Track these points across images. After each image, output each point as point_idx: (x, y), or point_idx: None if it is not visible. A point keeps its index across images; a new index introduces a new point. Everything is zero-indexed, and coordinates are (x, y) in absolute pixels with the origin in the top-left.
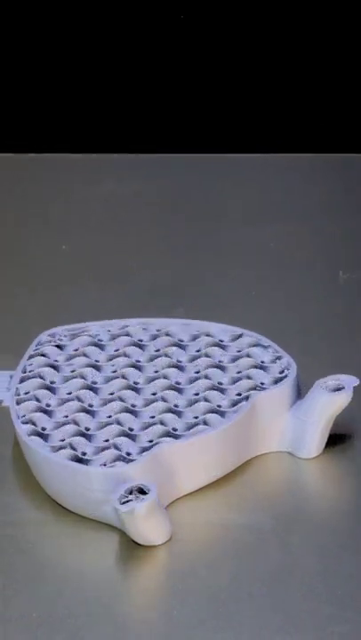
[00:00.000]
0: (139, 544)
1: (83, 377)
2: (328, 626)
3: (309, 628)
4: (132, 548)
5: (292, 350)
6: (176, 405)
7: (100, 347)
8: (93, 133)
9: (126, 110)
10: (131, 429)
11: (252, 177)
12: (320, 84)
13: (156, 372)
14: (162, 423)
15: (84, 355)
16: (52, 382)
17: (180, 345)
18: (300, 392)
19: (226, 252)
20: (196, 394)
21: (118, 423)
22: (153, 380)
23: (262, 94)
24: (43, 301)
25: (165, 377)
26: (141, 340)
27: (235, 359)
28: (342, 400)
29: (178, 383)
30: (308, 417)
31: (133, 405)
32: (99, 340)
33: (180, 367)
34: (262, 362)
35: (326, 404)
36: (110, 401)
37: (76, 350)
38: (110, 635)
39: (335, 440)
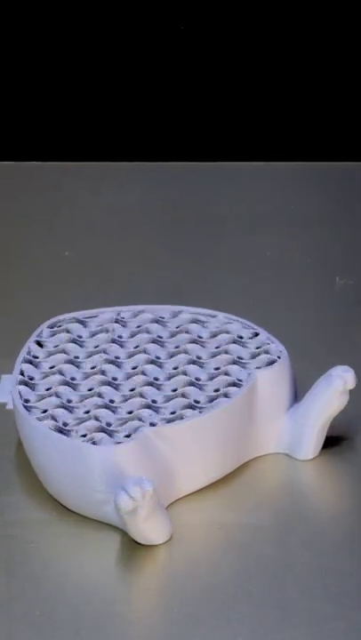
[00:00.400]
0: (140, 543)
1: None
2: (324, 623)
3: (306, 626)
4: (133, 547)
5: (289, 354)
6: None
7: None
8: (95, 142)
9: (128, 120)
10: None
11: (251, 185)
12: (318, 94)
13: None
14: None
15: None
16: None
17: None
18: (296, 395)
19: (225, 258)
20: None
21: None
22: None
23: (261, 104)
24: (46, 305)
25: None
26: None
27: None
28: (339, 403)
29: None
30: (306, 420)
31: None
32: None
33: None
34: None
35: (323, 406)
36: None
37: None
38: (112, 632)
39: (332, 442)
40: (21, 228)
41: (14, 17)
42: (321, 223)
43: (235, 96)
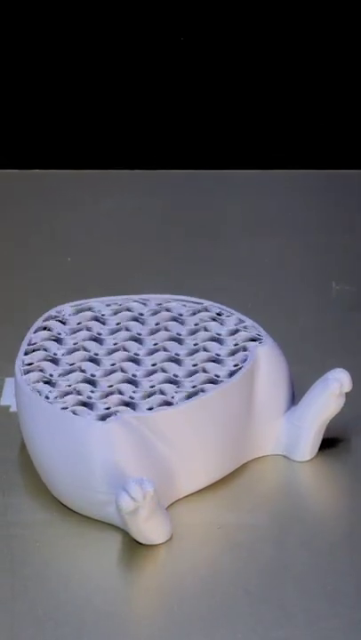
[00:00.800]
0: (140, 543)
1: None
2: (320, 621)
3: (303, 623)
4: (134, 547)
5: (287, 357)
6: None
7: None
8: (96, 151)
9: (128, 129)
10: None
11: (250, 193)
12: (316, 104)
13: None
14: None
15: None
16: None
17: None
18: (294, 398)
19: (225, 264)
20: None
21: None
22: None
23: (260, 114)
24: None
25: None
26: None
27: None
28: (336, 405)
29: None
30: (303, 422)
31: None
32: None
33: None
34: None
35: (320, 409)
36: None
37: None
38: (113, 629)
39: (329, 444)
40: (24, 235)
41: (17, 28)
42: (318, 230)
43: (234, 105)
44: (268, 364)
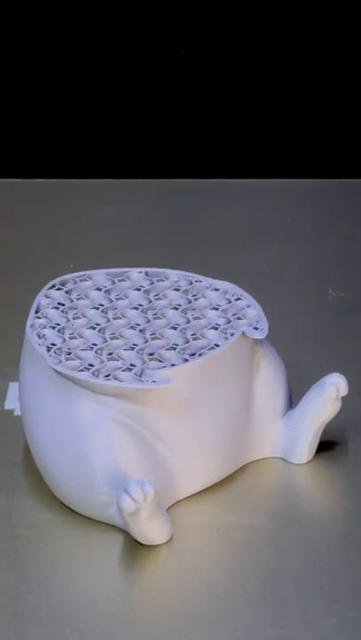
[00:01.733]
0: (141, 544)
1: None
2: (317, 619)
3: (300, 621)
4: (135, 547)
5: (284, 362)
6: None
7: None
8: (98, 160)
9: (129, 139)
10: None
11: (248, 201)
12: (312, 116)
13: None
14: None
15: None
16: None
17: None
18: (291, 401)
19: (224, 270)
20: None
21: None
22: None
23: (258, 125)
24: None
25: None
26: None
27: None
28: (332, 409)
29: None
30: (300, 425)
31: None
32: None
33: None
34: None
35: (317, 412)
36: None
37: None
38: (115, 628)
39: (325, 446)
40: (26, 243)
41: (20, 40)
42: (315, 237)
43: (233, 116)
44: (266, 369)
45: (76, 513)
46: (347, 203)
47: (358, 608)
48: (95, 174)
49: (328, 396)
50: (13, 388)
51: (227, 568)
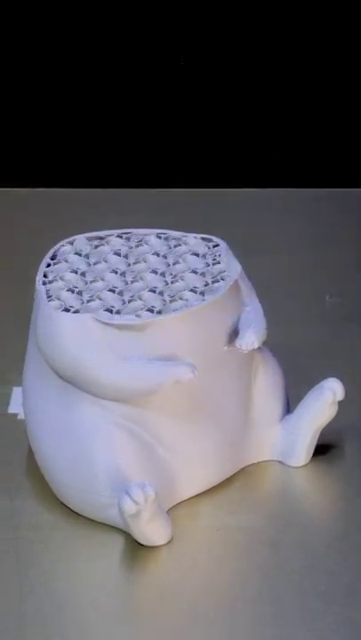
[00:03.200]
0: (142, 545)
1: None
2: (315, 619)
3: (297, 620)
4: (136, 548)
5: (282, 367)
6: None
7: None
8: (99, 170)
9: (130, 149)
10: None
11: (248, 210)
12: (309, 127)
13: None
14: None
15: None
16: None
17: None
18: (289, 406)
19: None
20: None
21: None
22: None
23: (257, 135)
24: None
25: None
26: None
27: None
28: (329, 413)
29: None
30: (298, 429)
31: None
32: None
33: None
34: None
35: (314, 416)
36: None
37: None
38: (117, 626)
39: (322, 449)
40: (30, 251)
41: (21, 51)
42: (312, 245)
43: (232, 126)
44: (264, 374)
45: (78, 514)
46: (344, 211)
47: (356, 608)
48: (95, 184)
49: (325, 400)
50: (17, 392)
51: (226, 568)
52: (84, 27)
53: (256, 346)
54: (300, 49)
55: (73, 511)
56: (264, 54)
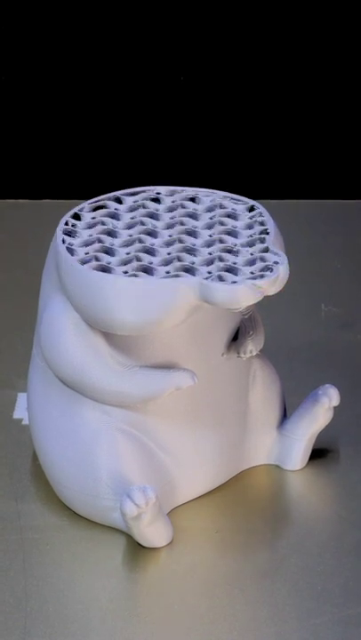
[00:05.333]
0: (143, 546)
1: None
2: (309, 618)
3: (293, 620)
4: (137, 549)
5: (279, 374)
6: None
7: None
8: (100, 181)
9: (129, 165)
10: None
11: None
12: (307, 141)
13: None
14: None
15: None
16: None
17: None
18: (285, 411)
19: None
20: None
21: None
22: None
23: (256, 151)
24: None
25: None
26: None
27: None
28: (324, 418)
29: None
30: (294, 434)
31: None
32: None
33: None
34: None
35: (310, 422)
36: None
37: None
38: (118, 626)
39: (318, 454)
40: (34, 261)
41: (22, 64)
42: (309, 255)
43: (232, 141)
44: (262, 380)
45: (81, 517)
46: (339, 222)
47: (349, 607)
48: (97, 194)
49: (321, 406)
50: (22, 398)
51: (224, 569)
52: (86, 44)
53: (254, 353)
54: (299, 67)
55: (76, 514)
56: (264, 71)
